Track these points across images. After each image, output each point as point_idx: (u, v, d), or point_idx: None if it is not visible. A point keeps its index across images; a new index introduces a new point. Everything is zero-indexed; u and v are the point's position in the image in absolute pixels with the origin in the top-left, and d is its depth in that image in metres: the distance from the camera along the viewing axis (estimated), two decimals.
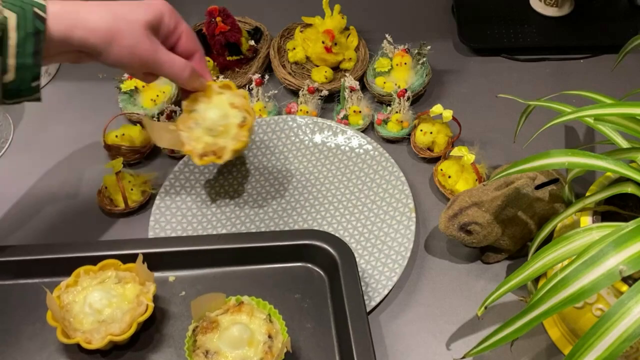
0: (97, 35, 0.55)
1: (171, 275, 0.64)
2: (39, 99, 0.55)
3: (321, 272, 0.65)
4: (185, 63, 0.62)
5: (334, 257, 0.63)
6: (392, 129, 0.81)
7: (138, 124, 0.82)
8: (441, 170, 0.76)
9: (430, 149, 0.80)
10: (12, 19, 0.50)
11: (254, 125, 0.68)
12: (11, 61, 0.51)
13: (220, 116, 0.66)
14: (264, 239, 0.65)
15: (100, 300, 0.58)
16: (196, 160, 0.66)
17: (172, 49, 0.63)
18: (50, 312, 0.57)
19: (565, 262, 0.48)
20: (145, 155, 0.80)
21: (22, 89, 0.54)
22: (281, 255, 0.65)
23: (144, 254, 0.60)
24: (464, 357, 0.56)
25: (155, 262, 0.62)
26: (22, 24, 0.51)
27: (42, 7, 0.52)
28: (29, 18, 0.51)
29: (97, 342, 0.55)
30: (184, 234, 0.72)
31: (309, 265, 0.65)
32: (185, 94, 0.67)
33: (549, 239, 0.58)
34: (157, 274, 0.62)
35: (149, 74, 0.63)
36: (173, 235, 0.72)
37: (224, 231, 0.73)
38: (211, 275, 0.65)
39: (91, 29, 0.55)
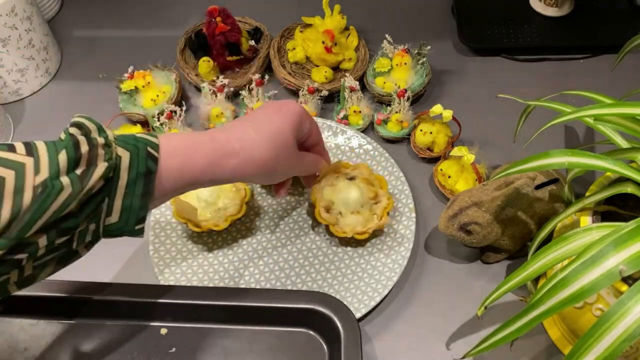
0: (263, 169, 0.56)
1: (164, 327, 0.61)
2: (141, 236, 0.50)
3: (321, 341, 0.60)
4: (316, 159, 0.66)
5: (338, 328, 0.57)
6: (392, 129, 0.81)
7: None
8: (441, 170, 0.76)
9: (430, 149, 0.80)
10: (125, 158, 0.46)
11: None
12: (117, 203, 0.46)
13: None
14: (264, 299, 0.60)
15: (211, 194, 0.70)
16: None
17: (302, 144, 0.64)
18: (176, 209, 0.69)
19: (565, 262, 0.48)
20: None
21: (125, 231, 0.48)
22: (280, 317, 0.60)
23: (136, 303, 0.59)
24: (464, 357, 0.56)
25: (148, 312, 0.60)
26: (135, 163, 0.47)
27: (155, 146, 0.48)
28: (141, 157, 0.47)
29: (222, 224, 0.69)
30: (184, 234, 0.72)
31: (310, 331, 0.61)
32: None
33: (548, 239, 0.58)
34: (147, 323, 0.61)
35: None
36: (173, 235, 0.72)
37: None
38: (205, 330, 0.61)
39: (259, 164, 0.55)
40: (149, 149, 0.48)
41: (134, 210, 0.47)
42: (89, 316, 0.61)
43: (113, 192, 0.46)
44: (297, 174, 0.65)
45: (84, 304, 0.60)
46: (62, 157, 0.43)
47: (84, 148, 0.44)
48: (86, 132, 0.45)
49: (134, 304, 0.59)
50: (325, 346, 0.60)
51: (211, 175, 0.52)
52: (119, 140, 0.47)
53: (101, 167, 0.44)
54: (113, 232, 0.48)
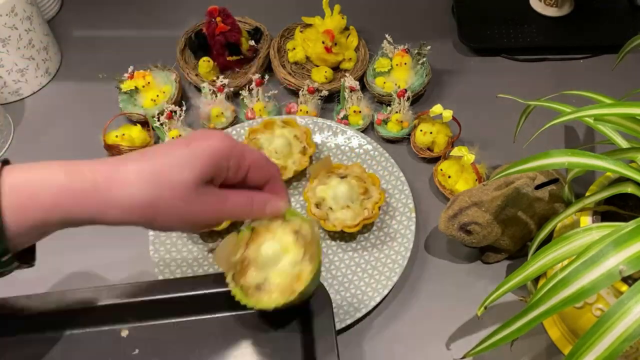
0: (134, 215, 0.45)
1: (124, 328, 0.57)
2: (32, 266, 0.46)
3: (295, 321, 0.56)
4: (246, 200, 0.51)
5: (309, 305, 0.54)
6: (392, 129, 0.81)
7: (138, 124, 0.82)
8: (441, 170, 0.76)
9: (430, 149, 0.80)
10: None
11: (312, 156, 0.77)
12: None
13: (285, 144, 0.75)
14: (220, 284, 0.54)
15: None
16: None
17: (242, 181, 0.51)
18: None
19: (565, 262, 0.48)
20: None
21: None
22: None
23: (91, 309, 0.55)
24: (464, 357, 0.56)
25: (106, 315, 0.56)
26: None
27: None
28: None
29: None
30: (184, 234, 0.72)
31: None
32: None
33: (548, 239, 0.58)
34: (107, 328, 0.57)
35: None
36: (173, 235, 0.72)
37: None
38: (166, 326, 0.57)
39: (127, 206, 0.44)
40: None
41: None
42: (41, 329, 0.57)
43: None
44: (216, 221, 0.51)
45: (34, 317, 0.55)
46: None
47: None
48: None
49: (89, 310, 0.55)
50: (297, 320, 0.56)
51: (61, 216, 0.44)
52: None
53: None
54: None
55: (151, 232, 0.72)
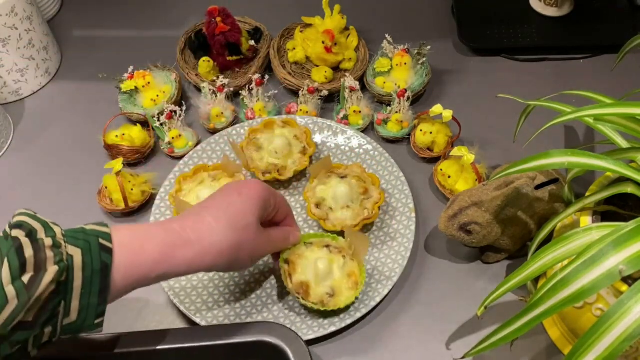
0: (224, 257, 0.52)
1: None
2: (100, 331, 0.47)
3: None
4: (283, 234, 0.62)
5: (289, 357, 0.55)
6: (392, 129, 0.81)
7: (138, 124, 0.82)
8: (441, 170, 0.76)
9: (430, 149, 0.80)
10: (77, 256, 0.43)
11: (312, 155, 0.77)
12: (74, 303, 0.43)
13: (285, 144, 0.75)
14: (214, 336, 0.56)
15: (210, 194, 0.66)
16: (260, 177, 0.74)
17: (271, 220, 0.61)
18: (176, 210, 0.70)
19: (565, 262, 0.48)
20: (145, 155, 0.80)
21: (84, 326, 0.45)
22: (232, 353, 0.56)
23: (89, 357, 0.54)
24: (464, 357, 0.56)
25: None
26: (88, 260, 0.43)
27: (107, 237, 0.45)
28: (94, 252, 0.44)
29: None
30: None
31: None
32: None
33: (548, 239, 0.58)
34: None
35: None
36: None
37: None
38: None
39: (218, 251, 0.51)
40: (102, 240, 0.45)
41: (92, 307, 0.44)
42: None
43: (69, 294, 0.43)
44: (266, 254, 0.62)
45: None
46: (5, 266, 0.39)
47: (29, 252, 0.40)
48: (30, 233, 0.42)
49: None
50: None
51: (164, 268, 0.48)
52: (68, 237, 0.44)
53: (51, 272, 0.41)
54: (71, 330, 0.45)
55: (152, 218, 0.72)
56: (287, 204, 0.62)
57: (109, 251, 0.45)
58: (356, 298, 0.65)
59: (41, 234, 0.42)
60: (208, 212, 0.52)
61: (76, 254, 0.43)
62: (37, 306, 0.41)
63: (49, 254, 0.41)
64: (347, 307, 0.65)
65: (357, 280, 0.65)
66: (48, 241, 0.42)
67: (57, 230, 0.44)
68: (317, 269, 0.64)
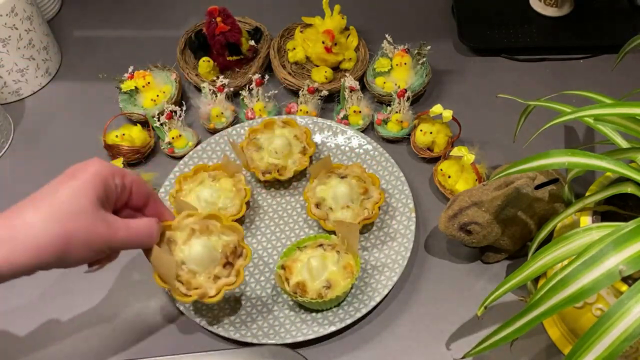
0: (47, 252, 0.45)
1: None
2: None
3: None
4: (148, 225, 0.54)
5: None
6: (392, 129, 0.81)
7: (138, 124, 0.82)
8: (441, 170, 0.76)
9: (430, 149, 0.80)
10: None
11: (312, 156, 0.78)
12: None
13: (285, 144, 0.75)
14: None
15: (211, 194, 0.70)
16: (260, 177, 0.75)
17: (126, 205, 0.54)
18: (176, 210, 0.65)
19: (565, 262, 0.48)
20: (145, 155, 0.80)
21: None
22: None
23: None
24: (464, 357, 0.56)
25: None
26: None
27: None
28: None
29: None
30: None
31: None
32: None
33: (548, 239, 0.58)
34: None
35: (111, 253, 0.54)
36: None
37: None
38: None
39: (35, 248, 0.45)
40: None
41: None
42: None
43: None
44: (120, 245, 0.52)
45: None
46: None
47: None
48: None
49: None
50: None
51: None
52: None
53: None
54: None
55: None
56: (144, 185, 0.55)
57: None
58: (353, 285, 0.66)
59: None
60: (31, 203, 0.47)
61: None
62: None
63: None
64: (346, 306, 0.65)
65: (352, 270, 0.65)
66: None
67: None
68: (311, 266, 0.64)
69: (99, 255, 0.51)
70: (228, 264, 0.59)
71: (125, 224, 0.51)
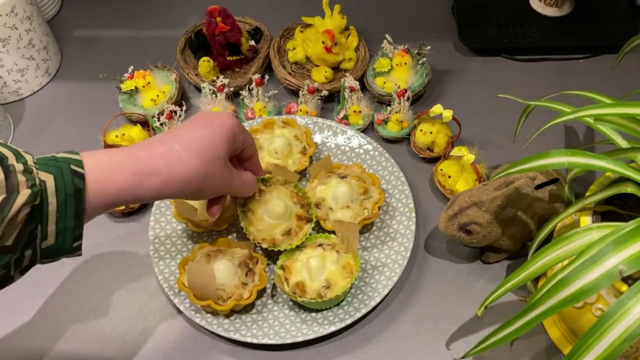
0: (191, 186, 0.52)
1: None
2: (79, 255, 0.48)
3: None
4: (252, 179, 0.62)
5: None
6: (392, 129, 0.81)
7: (138, 124, 0.82)
8: (441, 170, 0.76)
9: (430, 149, 0.80)
10: (50, 181, 0.44)
11: (312, 156, 0.77)
12: (51, 227, 0.45)
13: (285, 144, 0.75)
14: None
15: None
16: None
17: (236, 157, 0.61)
18: (176, 210, 0.71)
19: (565, 262, 0.48)
20: None
21: (63, 249, 0.47)
22: None
23: None
24: (464, 357, 0.56)
25: None
26: (61, 185, 0.44)
27: (79, 163, 0.46)
28: (67, 177, 0.45)
29: (222, 225, 0.72)
30: (184, 234, 0.72)
31: None
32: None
33: (548, 239, 0.58)
34: None
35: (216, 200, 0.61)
36: (173, 235, 0.72)
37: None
38: None
39: (185, 180, 0.51)
40: (73, 166, 0.46)
41: (69, 230, 0.46)
42: None
43: (45, 219, 0.44)
44: (230, 193, 0.62)
45: None
46: None
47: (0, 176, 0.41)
48: (1, 159, 0.42)
49: None
50: None
51: (132, 195, 0.49)
52: (40, 164, 0.45)
53: (24, 194, 0.42)
54: (51, 253, 0.46)
55: (152, 218, 0.72)
56: (254, 144, 0.62)
57: (81, 177, 0.46)
58: (352, 285, 0.66)
59: (12, 160, 0.43)
60: (177, 140, 0.52)
61: (49, 179, 0.44)
62: (15, 229, 0.42)
63: (21, 178, 0.42)
64: (346, 306, 0.65)
65: (352, 270, 0.65)
66: (19, 167, 0.43)
67: (28, 157, 0.44)
68: (310, 266, 0.65)
69: (216, 196, 0.59)
70: (249, 271, 0.66)
71: (238, 174, 0.60)
